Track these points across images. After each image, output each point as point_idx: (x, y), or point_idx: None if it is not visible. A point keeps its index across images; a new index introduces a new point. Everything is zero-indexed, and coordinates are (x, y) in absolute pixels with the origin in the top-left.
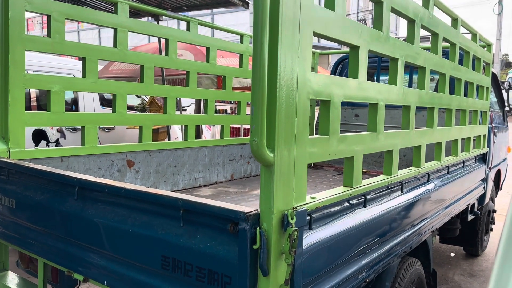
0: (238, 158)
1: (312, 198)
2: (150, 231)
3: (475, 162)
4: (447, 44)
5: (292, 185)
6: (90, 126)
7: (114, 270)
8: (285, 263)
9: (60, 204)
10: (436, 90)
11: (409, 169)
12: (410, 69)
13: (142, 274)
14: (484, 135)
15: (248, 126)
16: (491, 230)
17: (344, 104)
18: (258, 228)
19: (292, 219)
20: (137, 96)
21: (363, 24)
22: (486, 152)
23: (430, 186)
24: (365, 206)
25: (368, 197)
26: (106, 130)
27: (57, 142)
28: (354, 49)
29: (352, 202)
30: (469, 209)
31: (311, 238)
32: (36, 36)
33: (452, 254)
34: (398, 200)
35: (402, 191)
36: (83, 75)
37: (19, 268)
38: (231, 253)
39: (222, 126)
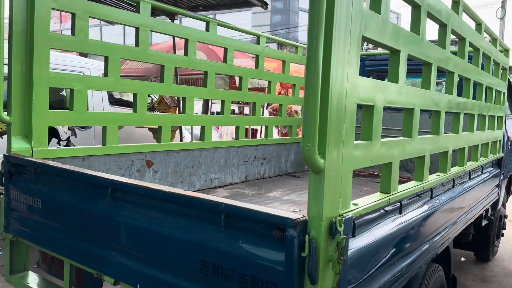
0: (252, 160)
1: (355, 205)
2: (189, 235)
3: (491, 167)
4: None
5: (339, 192)
6: (112, 126)
7: (148, 273)
8: (333, 271)
9: (90, 205)
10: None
11: (437, 175)
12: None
13: (179, 278)
14: (500, 140)
15: (255, 127)
16: (502, 235)
17: (359, 106)
18: (307, 235)
19: (340, 226)
20: None
21: (403, 28)
22: (501, 158)
23: (455, 191)
24: (400, 213)
25: (403, 203)
26: None
27: (68, 140)
28: (395, 53)
29: (389, 208)
30: (484, 214)
31: (354, 245)
32: (61, 34)
33: (463, 259)
34: (428, 206)
35: (431, 197)
36: (105, 74)
37: (39, 268)
38: (277, 260)
39: (237, 127)
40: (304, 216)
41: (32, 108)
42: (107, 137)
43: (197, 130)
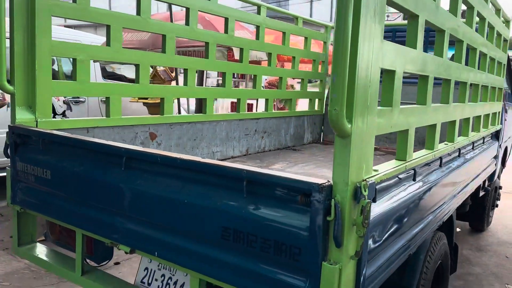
0: (253, 133)
1: (375, 171)
2: (209, 202)
3: (491, 139)
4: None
5: (363, 157)
6: (115, 97)
7: (166, 240)
8: (357, 235)
9: (104, 175)
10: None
11: (445, 144)
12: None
13: (198, 244)
14: (499, 112)
15: (250, 101)
16: (497, 206)
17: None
18: (332, 200)
19: (365, 191)
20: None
21: None
22: (500, 129)
23: (461, 161)
24: (414, 180)
25: (417, 171)
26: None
27: (63, 114)
28: (414, 18)
29: (404, 175)
30: (481, 185)
31: (374, 210)
32: (62, 1)
33: (458, 230)
34: (437, 174)
35: (440, 166)
36: (108, 43)
37: (47, 240)
38: (301, 225)
39: (238, 100)
40: (329, 181)
41: (35, 78)
42: (110, 109)
43: (192, 106)
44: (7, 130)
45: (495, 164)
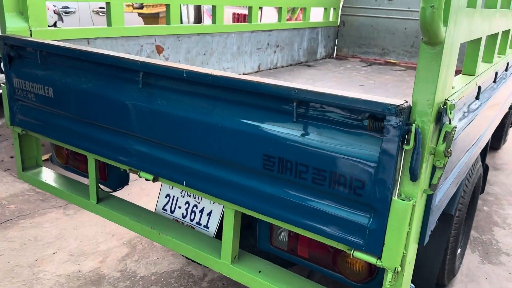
0: (265, 47)
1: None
2: (247, 126)
3: None
4: None
5: (450, 71)
6: (116, 3)
7: (194, 168)
8: (436, 165)
9: (117, 93)
10: None
11: (498, 56)
12: None
13: (234, 173)
14: None
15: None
16: None
17: None
18: (413, 125)
19: (451, 113)
20: None
21: None
22: None
23: (507, 76)
24: (477, 98)
25: (481, 87)
26: (100, 14)
27: (54, 26)
28: None
29: (472, 92)
30: None
31: None
32: None
33: None
34: (491, 91)
35: (494, 82)
36: None
37: (54, 164)
38: (368, 154)
39: (250, 8)
40: (407, 102)
41: None
42: (111, 15)
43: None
44: None
45: None
